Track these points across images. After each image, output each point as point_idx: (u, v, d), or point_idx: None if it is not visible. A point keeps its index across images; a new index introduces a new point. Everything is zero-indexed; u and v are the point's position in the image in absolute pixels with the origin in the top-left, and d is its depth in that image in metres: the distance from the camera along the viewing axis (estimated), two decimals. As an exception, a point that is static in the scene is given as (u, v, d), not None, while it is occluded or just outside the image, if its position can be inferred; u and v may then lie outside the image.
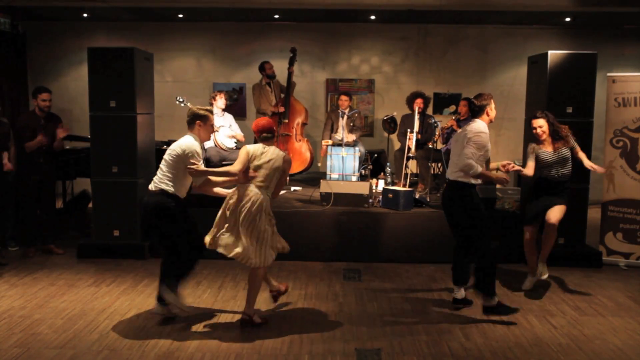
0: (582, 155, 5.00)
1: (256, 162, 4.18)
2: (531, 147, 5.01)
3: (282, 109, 7.67)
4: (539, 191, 5.04)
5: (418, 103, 7.15)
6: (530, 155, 5.00)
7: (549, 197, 4.95)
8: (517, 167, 4.77)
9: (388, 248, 5.94)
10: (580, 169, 5.10)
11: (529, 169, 4.96)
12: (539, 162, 4.96)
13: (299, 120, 7.81)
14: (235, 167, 4.16)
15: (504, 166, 4.68)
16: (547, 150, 4.92)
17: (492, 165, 5.26)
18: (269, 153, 4.22)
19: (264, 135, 4.32)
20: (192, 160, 4.09)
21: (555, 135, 4.91)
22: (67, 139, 6.24)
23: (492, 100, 4.52)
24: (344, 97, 7.61)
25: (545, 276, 4.97)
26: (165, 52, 9.26)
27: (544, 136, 4.90)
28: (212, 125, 4.35)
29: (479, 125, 4.40)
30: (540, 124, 4.89)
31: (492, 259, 4.43)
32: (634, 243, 5.89)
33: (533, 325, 4.31)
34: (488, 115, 4.49)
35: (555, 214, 4.86)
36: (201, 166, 4.17)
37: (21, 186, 6.02)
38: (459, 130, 4.70)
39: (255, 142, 8.23)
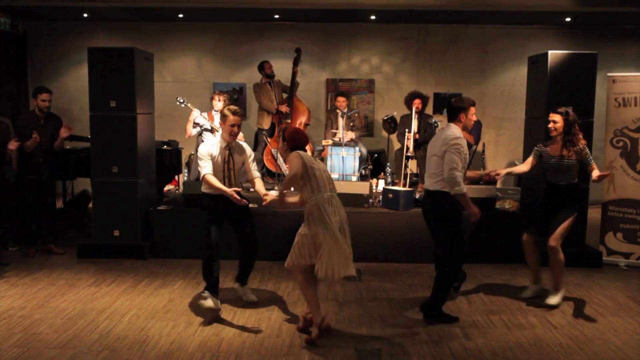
0: (594, 172, 4.57)
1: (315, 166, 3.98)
2: (537, 146, 4.77)
3: (287, 109, 7.68)
4: (546, 197, 4.77)
5: (416, 103, 7.16)
6: (534, 152, 4.76)
7: (555, 206, 4.64)
8: (503, 173, 4.64)
9: (388, 248, 5.93)
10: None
11: (525, 165, 4.79)
12: (542, 164, 4.74)
13: (301, 120, 7.81)
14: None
15: (488, 174, 4.58)
16: (551, 153, 4.64)
17: (472, 173, 4.98)
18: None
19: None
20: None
21: (568, 140, 4.54)
22: (68, 139, 6.25)
23: (471, 108, 4.28)
24: (340, 99, 7.62)
25: (553, 302, 4.62)
26: (165, 52, 9.26)
27: (555, 133, 4.58)
28: (231, 125, 4.38)
29: (454, 130, 4.23)
30: (556, 120, 4.55)
31: (452, 273, 4.39)
32: (634, 243, 5.89)
33: (533, 325, 4.31)
34: (462, 120, 4.27)
35: (555, 235, 4.56)
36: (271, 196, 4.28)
37: (21, 186, 6.02)
38: (432, 139, 4.45)
39: (256, 141, 8.28)
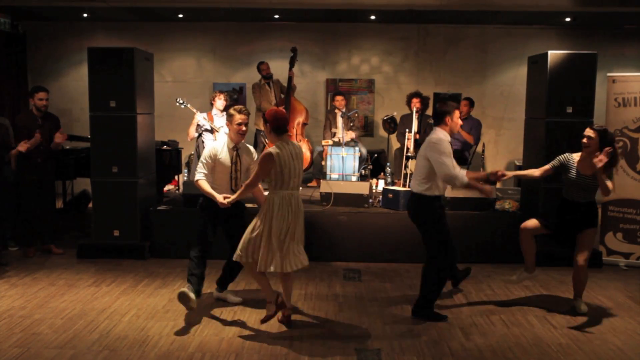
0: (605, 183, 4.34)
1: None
2: (562, 156, 4.56)
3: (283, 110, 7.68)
4: (562, 213, 4.55)
5: (415, 103, 7.18)
6: (556, 161, 4.57)
7: (575, 222, 4.48)
8: (509, 175, 4.58)
9: (388, 248, 5.93)
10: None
11: (538, 171, 4.64)
12: (564, 176, 4.52)
13: (299, 120, 7.81)
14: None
15: (493, 174, 4.46)
16: (580, 170, 4.42)
17: (475, 174, 4.83)
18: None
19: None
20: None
21: (608, 161, 4.26)
22: (67, 139, 6.26)
23: (456, 111, 4.34)
24: (338, 97, 7.65)
25: (585, 309, 4.55)
26: (165, 52, 9.26)
27: (588, 149, 4.35)
28: (238, 124, 4.36)
29: (438, 133, 4.30)
30: (591, 135, 4.34)
31: (446, 272, 4.43)
32: (634, 243, 5.89)
33: (533, 325, 4.31)
34: (447, 124, 4.33)
35: (583, 253, 4.46)
36: (227, 198, 4.28)
37: (21, 186, 6.02)
38: (423, 144, 4.46)
39: (255, 142, 8.27)
